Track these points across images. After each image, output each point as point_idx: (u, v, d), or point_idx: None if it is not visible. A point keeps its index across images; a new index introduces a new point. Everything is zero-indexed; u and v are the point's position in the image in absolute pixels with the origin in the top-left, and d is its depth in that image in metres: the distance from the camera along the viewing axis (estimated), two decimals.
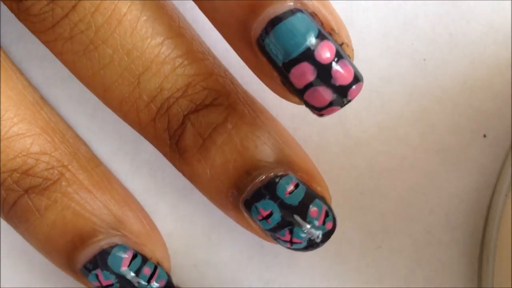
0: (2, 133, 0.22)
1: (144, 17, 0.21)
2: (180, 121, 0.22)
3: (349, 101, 0.19)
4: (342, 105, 0.19)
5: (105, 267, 0.22)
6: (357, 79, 0.19)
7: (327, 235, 0.22)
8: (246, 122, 0.22)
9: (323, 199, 0.22)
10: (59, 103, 0.24)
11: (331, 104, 0.19)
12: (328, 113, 0.20)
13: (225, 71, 0.23)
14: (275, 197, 0.21)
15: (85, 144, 0.24)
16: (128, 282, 0.22)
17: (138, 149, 0.25)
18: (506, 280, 0.23)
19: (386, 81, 0.24)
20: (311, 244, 0.22)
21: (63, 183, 0.23)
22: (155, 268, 0.23)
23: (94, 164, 0.24)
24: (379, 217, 0.25)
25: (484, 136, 0.24)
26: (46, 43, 0.21)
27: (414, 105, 0.24)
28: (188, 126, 0.22)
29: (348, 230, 0.25)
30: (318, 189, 0.22)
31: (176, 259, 0.25)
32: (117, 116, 0.23)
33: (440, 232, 0.25)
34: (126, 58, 0.21)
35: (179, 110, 0.22)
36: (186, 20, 0.22)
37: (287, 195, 0.21)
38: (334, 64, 0.19)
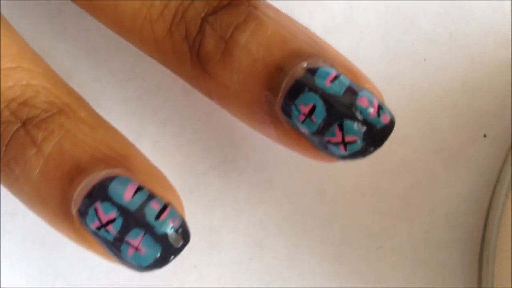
0: (2, 63, 0.20)
1: None
2: (198, 26, 0.20)
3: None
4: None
5: (106, 198, 0.19)
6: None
7: (384, 131, 0.19)
8: (271, 19, 0.20)
9: (372, 93, 0.19)
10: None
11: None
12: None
13: None
14: (315, 88, 0.19)
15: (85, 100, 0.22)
16: (133, 216, 0.19)
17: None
18: (506, 280, 0.23)
19: (386, 81, 0.24)
20: (369, 141, 0.19)
21: (63, 116, 0.20)
22: (165, 206, 0.19)
23: (95, 112, 0.21)
24: (379, 217, 0.25)
25: (484, 136, 0.24)
26: None
27: (414, 105, 0.24)
28: (207, 30, 0.20)
29: (348, 231, 0.25)
30: (366, 85, 0.19)
31: (176, 260, 0.25)
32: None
33: (440, 232, 0.25)
34: None
35: (195, 13, 0.20)
36: None
37: (329, 84, 0.19)
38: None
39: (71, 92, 0.21)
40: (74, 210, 0.19)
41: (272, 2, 0.22)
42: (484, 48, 0.24)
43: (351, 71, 0.20)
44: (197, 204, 0.25)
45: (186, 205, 0.25)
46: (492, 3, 0.24)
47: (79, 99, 0.21)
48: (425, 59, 0.24)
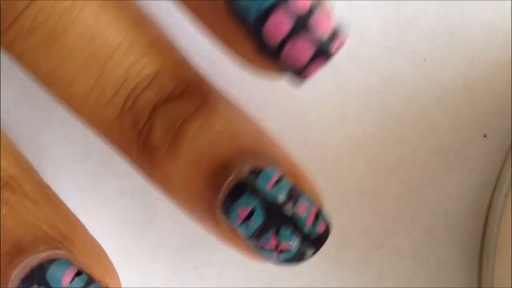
0: None
1: (108, 4, 0.19)
2: (147, 116, 0.20)
3: (332, 54, 0.17)
4: (327, 58, 0.17)
5: (43, 283, 0.19)
6: (339, 29, 0.18)
7: (319, 241, 0.19)
8: (220, 115, 0.20)
9: (311, 198, 0.19)
10: (58, 105, 0.24)
11: (313, 58, 0.17)
12: (313, 71, 0.18)
13: (195, 67, 0.21)
14: (255, 193, 0.19)
15: (34, 170, 0.22)
16: None
17: None
18: (506, 280, 0.23)
19: (386, 81, 0.24)
20: (302, 251, 0.19)
21: (7, 191, 0.20)
22: None
23: (43, 185, 0.21)
24: (379, 217, 0.25)
25: (484, 136, 0.24)
26: (7, 45, 0.20)
27: (414, 105, 0.24)
28: (156, 120, 0.20)
29: (348, 231, 0.25)
30: (306, 188, 0.19)
31: (176, 260, 0.25)
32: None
33: (440, 232, 0.25)
34: (88, 47, 0.19)
35: (146, 102, 0.20)
36: (151, 14, 0.21)
37: (269, 189, 0.19)
38: (313, 11, 0.17)
39: (19, 162, 0.21)
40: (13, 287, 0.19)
41: None
42: (484, 48, 0.24)
43: (294, 173, 0.20)
44: None
45: None
46: (492, 3, 0.24)
47: (26, 170, 0.21)
48: (425, 59, 0.24)
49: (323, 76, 0.24)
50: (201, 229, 0.25)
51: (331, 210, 0.24)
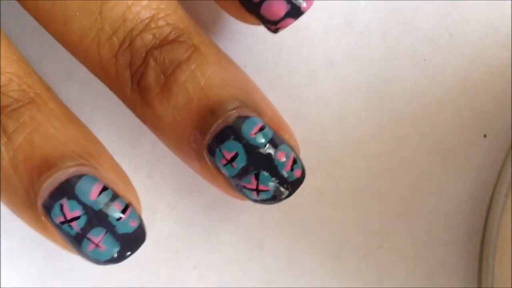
0: None
1: None
2: (143, 57, 0.21)
3: (302, 13, 0.20)
4: (297, 16, 0.20)
5: (72, 195, 0.20)
6: None
7: (295, 184, 0.21)
8: (211, 62, 0.21)
9: (290, 146, 0.21)
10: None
11: (286, 15, 0.20)
12: (284, 26, 0.21)
13: (189, 16, 0.22)
14: (240, 138, 0.20)
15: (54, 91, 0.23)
16: (97, 214, 0.20)
17: (137, 150, 0.25)
18: (506, 280, 0.23)
19: (386, 81, 0.24)
20: (279, 193, 0.21)
21: (34, 108, 0.21)
22: (127, 206, 0.20)
23: (64, 104, 0.22)
24: (379, 217, 0.25)
25: (484, 136, 0.24)
26: None
27: (414, 105, 0.24)
28: (150, 62, 0.21)
29: (348, 230, 0.25)
30: (286, 136, 0.21)
31: (176, 260, 0.25)
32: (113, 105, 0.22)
33: (440, 232, 0.25)
34: None
35: (142, 44, 0.21)
36: None
37: (253, 135, 0.20)
38: None
39: (42, 81, 0.22)
40: (39, 202, 0.20)
41: None
42: (484, 48, 0.24)
43: (276, 122, 0.21)
44: (197, 204, 0.25)
45: (187, 205, 0.25)
46: (492, 3, 0.24)
47: (49, 90, 0.22)
48: (425, 59, 0.24)
49: (323, 76, 0.24)
50: (201, 229, 0.25)
51: (331, 210, 0.25)
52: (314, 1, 0.21)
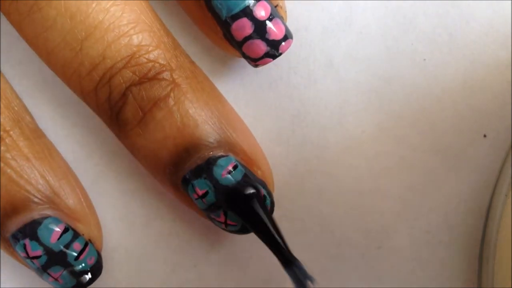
0: None
1: None
2: (122, 93, 0.22)
3: (280, 54, 0.22)
4: (274, 57, 0.22)
5: (34, 237, 0.21)
6: (286, 36, 0.22)
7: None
8: (189, 99, 0.22)
9: (262, 183, 0.22)
10: (58, 104, 0.24)
11: (265, 55, 0.22)
12: (262, 64, 0.22)
13: (175, 45, 0.22)
14: (211, 178, 0.21)
15: (30, 115, 0.24)
16: (56, 255, 0.22)
17: None
18: (506, 280, 0.23)
19: (386, 81, 0.24)
20: (246, 228, 0.22)
21: (2, 148, 0.22)
22: (86, 244, 0.22)
23: (36, 135, 0.23)
24: (379, 217, 0.25)
25: (484, 136, 0.24)
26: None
27: (414, 105, 0.24)
28: (129, 98, 0.21)
29: (348, 230, 0.25)
30: (259, 172, 0.22)
31: (176, 259, 0.25)
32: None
33: (440, 232, 0.25)
34: (69, 22, 0.21)
35: (121, 81, 0.21)
36: None
37: (223, 176, 0.21)
38: (268, 22, 0.22)
39: (14, 113, 0.23)
40: (6, 236, 0.22)
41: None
42: (484, 48, 0.24)
43: (252, 158, 0.22)
44: None
45: None
46: (492, 3, 0.24)
47: (20, 122, 0.23)
48: (425, 59, 0.24)
49: (323, 76, 0.24)
50: (200, 229, 0.25)
51: (330, 209, 0.25)
52: (293, 41, 0.22)
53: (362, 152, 0.24)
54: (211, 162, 0.21)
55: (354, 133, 0.24)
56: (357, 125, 0.24)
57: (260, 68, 0.24)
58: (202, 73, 0.23)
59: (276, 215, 0.24)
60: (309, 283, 0.21)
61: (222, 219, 0.22)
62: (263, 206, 0.21)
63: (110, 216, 0.25)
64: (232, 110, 0.23)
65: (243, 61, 0.24)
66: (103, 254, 0.24)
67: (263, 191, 0.22)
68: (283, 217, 0.24)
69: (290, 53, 0.24)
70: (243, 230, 0.22)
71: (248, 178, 0.22)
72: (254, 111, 0.24)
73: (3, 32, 0.24)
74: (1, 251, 0.24)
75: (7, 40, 0.24)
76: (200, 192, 0.21)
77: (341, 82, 0.24)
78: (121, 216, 0.25)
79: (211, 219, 0.22)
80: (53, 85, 0.24)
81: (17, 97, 0.23)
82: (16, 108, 0.23)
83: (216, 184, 0.21)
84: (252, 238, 0.24)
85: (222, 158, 0.21)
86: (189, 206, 0.23)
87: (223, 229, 0.22)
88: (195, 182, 0.21)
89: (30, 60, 0.24)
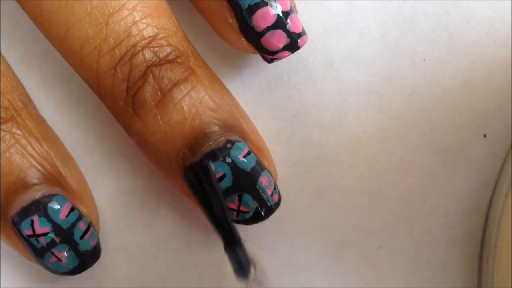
0: None
1: None
2: (142, 72, 0.22)
3: (298, 48, 0.22)
4: (293, 50, 0.22)
5: (44, 213, 0.22)
6: (304, 31, 0.22)
7: (272, 208, 0.22)
8: (205, 85, 0.22)
9: (270, 173, 0.22)
10: (59, 103, 0.24)
11: (284, 48, 0.22)
12: (280, 58, 0.22)
13: (187, 39, 0.23)
14: (228, 160, 0.21)
15: (32, 102, 0.24)
16: (64, 232, 0.22)
17: (138, 149, 0.25)
18: (506, 280, 0.23)
19: (386, 81, 0.24)
20: (257, 215, 0.22)
21: (14, 125, 0.22)
22: (89, 226, 0.23)
23: (40, 120, 0.23)
24: (379, 217, 0.25)
25: (484, 136, 0.24)
26: None
27: (414, 105, 0.24)
28: (149, 78, 0.22)
29: (348, 230, 0.25)
30: (266, 163, 0.23)
31: (176, 259, 0.25)
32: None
33: (440, 232, 0.25)
34: None
35: (143, 60, 0.21)
36: None
37: (241, 159, 0.21)
38: (291, 13, 0.22)
39: (22, 96, 0.23)
40: (10, 214, 0.22)
41: None
42: (484, 48, 0.24)
43: (259, 148, 0.23)
44: None
45: (187, 204, 0.25)
46: (492, 3, 0.24)
47: (28, 105, 0.23)
48: (425, 59, 0.24)
49: (323, 76, 0.24)
50: (202, 229, 0.25)
51: (330, 210, 0.25)
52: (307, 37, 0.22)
53: (362, 152, 0.24)
54: (227, 145, 0.21)
55: (354, 133, 0.24)
56: (357, 125, 0.24)
57: (260, 68, 0.24)
58: (210, 68, 0.23)
59: (276, 215, 0.24)
60: (250, 269, 0.21)
61: (235, 205, 0.22)
62: (211, 181, 0.21)
63: (110, 216, 0.25)
64: (239, 104, 0.23)
65: (244, 61, 0.24)
66: (103, 254, 0.24)
67: (273, 181, 0.22)
68: (283, 217, 0.24)
69: None
70: (254, 217, 0.22)
71: (260, 165, 0.22)
72: (254, 111, 0.24)
73: (3, 32, 0.24)
74: (0, 249, 0.24)
75: (7, 40, 0.24)
76: (218, 175, 0.21)
77: (341, 82, 0.24)
78: (121, 216, 0.25)
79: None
80: (53, 85, 0.24)
81: (21, 84, 0.24)
82: (23, 91, 0.23)
83: (233, 166, 0.21)
84: (252, 238, 0.24)
85: (238, 142, 0.22)
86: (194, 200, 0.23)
87: (233, 219, 0.22)
88: (213, 165, 0.21)
89: (30, 60, 0.24)
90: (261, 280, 0.21)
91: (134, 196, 0.25)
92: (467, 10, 0.24)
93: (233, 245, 0.21)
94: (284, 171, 0.24)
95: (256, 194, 0.22)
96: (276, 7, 0.21)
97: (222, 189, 0.21)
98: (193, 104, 0.22)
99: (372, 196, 0.24)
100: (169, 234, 0.25)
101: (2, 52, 0.24)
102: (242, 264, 0.20)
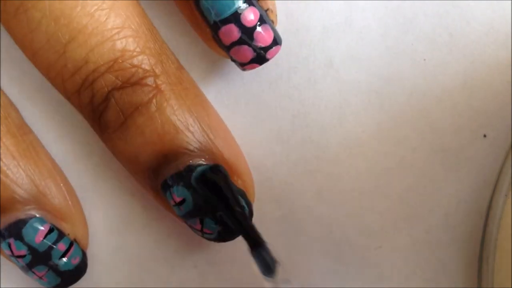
0: None
1: None
2: (104, 96, 0.22)
3: (267, 60, 0.22)
4: (261, 63, 0.22)
5: (19, 237, 0.22)
6: (275, 42, 0.22)
7: (238, 230, 0.22)
8: (171, 106, 0.22)
9: (241, 192, 0.22)
10: (58, 104, 0.24)
11: (252, 61, 0.22)
12: (250, 69, 0.22)
13: (162, 50, 0.22)
14: (188, 185, 0.21)
15: (16, 110, 0.24)
16: (41, 255, 0.22)
17: None
18: (506, 280, 0.23)
19: (386, 81, 0.24)
20: (222, 236, 0.22)
21: None
22: (71, 244, 0.22)
23: (23, 132, 0.23)
24: (379, 217, 0.25)
25: (484, 136, 0.24)
26: None
27: (414, 105, 0.24)
28: (111, 102, 0.22)
29: (348, 230, 0.25)
30: (239, 182, 0.23)
31: (176, 259, 0.25)
32: None
33: (440, 232, 0.25)
34: (54, 25, 0.21)
35: (104, 84, 0.21)
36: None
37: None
38: (257, 27, 0.21)
39: (2, 111, 0.23)
40: None
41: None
42: (484, 48, 0.24)
43: (232, 168, 0.22)
44: None
45: None
46: (492, 3, 0.24)
47: (7, 117, 0.23)
48: (425, 59, 0.24)
49: (323, 76, 0.24)
50: None
51: (330, 209, 0.25)
52: (280, 48, 0.22)
53: (362, 152, 0.24)
54: (190, 170, 0.21)
55: (354, 133, 0.24)
56: (357, 125, 0.24)
57: (260, 68, 0.24)
58: (189, 78, 0.23)
59: (276, 215, 0.24)
60: (277, 268, 0.21)
61: (198, 227, 0.22)
62: (230, 187, 0.21)
63: (110, 216, 0.25)
64: (216, 118, 0.23)
65: None
66: (103, 254, 0.24)
67: (241, 202, 0.22)
68: (283, 217, 0.24)
69: (290, 53, 0.24)
70: (219, 238, 0.22)
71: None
72: (254, 111, 0.24)
73: (3, 32, 0.24)
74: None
75: (7, 40, 0.24)
76: (177, 200, 0.22)
77: (341, 82, 0.24)
78: (121, 216, 0.25)
79: (188, 226, 0.22)
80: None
81: (3, 93, 0.23)
82: (1, 105, 0.23)
83: (193, 192, 0.21)
84: None
85: (201, 167, 0.21)
86: (169, 211, 0.23)
87: (201, 236, 0.22)
88: (172, 189, 0.21)
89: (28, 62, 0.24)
90: (287, 278, 0.21)
91: (134, 196, 0.25)
92: (467, 10, 0.24)
93: (259, 247, 0.21)
94: (284, 171, 0.24)
95: (218, 219, 0.22)
96: (241, 22, 0.21)
97: (183, 212, 0.22)
98: (155, 127, 0.22)
99: (372, 196, 0.24)
100: (169, 234, 0.25)
101: (2, 52, 0.24)
102: (268, 264, 0.21)
